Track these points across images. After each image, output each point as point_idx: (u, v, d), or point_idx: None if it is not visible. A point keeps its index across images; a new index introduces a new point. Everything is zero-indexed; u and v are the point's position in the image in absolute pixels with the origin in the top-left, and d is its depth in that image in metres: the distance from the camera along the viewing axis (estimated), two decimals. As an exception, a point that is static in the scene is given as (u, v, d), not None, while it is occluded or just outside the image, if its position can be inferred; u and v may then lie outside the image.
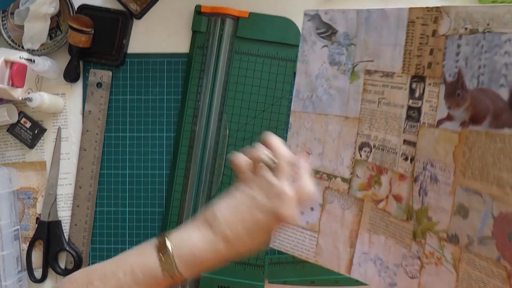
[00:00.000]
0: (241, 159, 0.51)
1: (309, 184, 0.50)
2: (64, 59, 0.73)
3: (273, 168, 0.49)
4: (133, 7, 0.73)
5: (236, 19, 0.72)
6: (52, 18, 0.72)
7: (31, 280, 0.72)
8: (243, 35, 0.72)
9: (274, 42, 0.71)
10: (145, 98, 0.74)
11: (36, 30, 0.71)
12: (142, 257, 0.48)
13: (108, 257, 0.73)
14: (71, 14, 0.72)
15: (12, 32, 0.73)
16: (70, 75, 0.73)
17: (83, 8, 0.73)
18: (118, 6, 0.73)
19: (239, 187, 0.50)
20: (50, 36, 0.74)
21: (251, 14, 0.71)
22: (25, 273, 0.72)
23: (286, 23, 0.71)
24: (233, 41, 0.72)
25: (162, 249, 0.47)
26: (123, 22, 0.72)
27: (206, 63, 0.71)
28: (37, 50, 0.72)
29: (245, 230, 0.47)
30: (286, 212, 0.47)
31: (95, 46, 0.72)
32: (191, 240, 0.48)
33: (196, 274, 0.49)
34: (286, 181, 0.48)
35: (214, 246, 0.47)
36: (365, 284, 0.68)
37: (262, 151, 0.50)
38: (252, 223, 0.47)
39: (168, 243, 0.47)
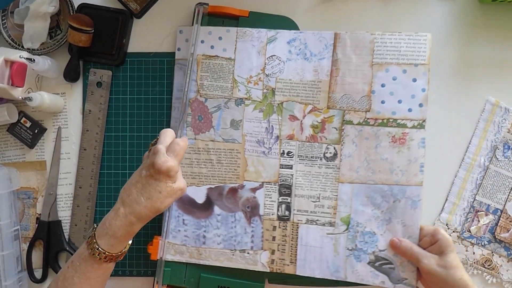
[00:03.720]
0: (146, 154, 0.63)
1: (181, 143, 0.61)
2: (64, 58, 0.73)
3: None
4: (133, 6, 0.73)
5: (237, 18, 0.71)
6: (52, 17, 0.72)
7: (31, 280, 0.72)
8: (243, 34, 0.71)
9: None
10: (145, 97, 0.73)
11: (36, 29, 0.71)
12: (79, 249, 0.58)
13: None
14: (71, 13, 0.72)
15: (12, 31, 0.73)
16: (70, 75, 0.72)
17: (83, 7, 0.72)
18: (118, 5, 0.73)
19: None
20: (50, 35, 0.73)
21: (251, 13, 0.71)
22: (25, 273, 0.72)
23: (287, 22, 0.71)
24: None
25: (90, 236, 0.57)
26: (123, 21, 0.72)
27: (206, 63, 0.71)
28: (37, 50, 0.72)
29: (138, 190, 0.58)
30: (158, 161, 0.57)
31: (95, 45, 0.72)
32: (105, 217, 0.58)
33: (115, 245, 0.57)
34: (162, 145, 0.59)
35: (116, 212, 0.57)
36: (363, 285, 0.68)
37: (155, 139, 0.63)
38: (141, 182, 0.58)
39: (93, 230, 0.58)
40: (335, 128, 0.68)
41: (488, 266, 0.70)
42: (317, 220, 0.68)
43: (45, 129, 0.74)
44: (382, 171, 0.67)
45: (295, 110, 0.69)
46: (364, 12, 0.73)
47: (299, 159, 0.68)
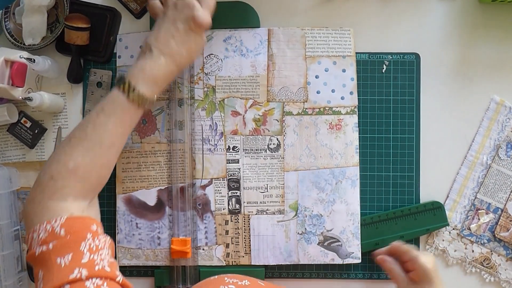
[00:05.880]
0: (153, 2, 0.64)
1: None
2: (65, 58, 0.73)
3: None
4: (133, 6, 0.73)
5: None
6: (50, 12, 0.72)
7: (31, 280, 0.72)
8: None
9: (234, 28, 0.72)
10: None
11: (34, 23, 0.70)
12: (107, 97, 0.59)
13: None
14: (67, 6, 0.71)
15: (15, 31, 0.73)
16: (73, 76, 0.72)
17: (72, 3, 0.72)
18: (118, 5, 0.73)
19: (157, 20, 0.62)
20: (50, 30, 0.73)
21: None
22: (25, 273, 0.72)
23: (243, 7, 0.72)
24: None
25: (119, 82, 0.58)
26: (111, 19, 0.72)
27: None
28: (38, 44, 0.72)
29: (177, 43, 0.60)
30: (200, 15, 0.59)
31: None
32: (138, 65, 0.59)
33: (155, 90, 0.60)
34: None
35: (157, 61, 0.59)
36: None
37: None
38: (180, 36, 0.60)
39: (123, 76, 0.59)
40: (276, 120, 0.71)
41: (486, 264, 0.70)
42: (267, 210, 0.71)
43: (45, 129, 0.74)
44: (323, 157, 0.70)
45: (237, 106, 0.71)
46: (364, 12, 0.73)
47: (245, 153, 0.71)
